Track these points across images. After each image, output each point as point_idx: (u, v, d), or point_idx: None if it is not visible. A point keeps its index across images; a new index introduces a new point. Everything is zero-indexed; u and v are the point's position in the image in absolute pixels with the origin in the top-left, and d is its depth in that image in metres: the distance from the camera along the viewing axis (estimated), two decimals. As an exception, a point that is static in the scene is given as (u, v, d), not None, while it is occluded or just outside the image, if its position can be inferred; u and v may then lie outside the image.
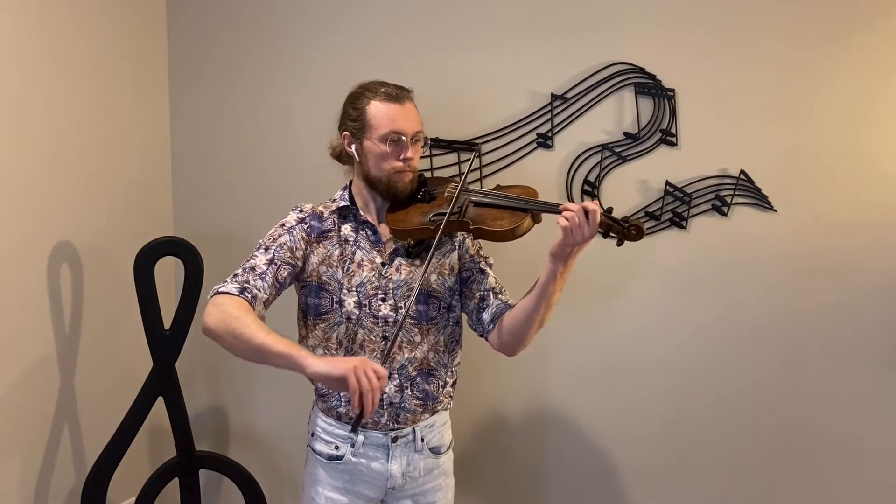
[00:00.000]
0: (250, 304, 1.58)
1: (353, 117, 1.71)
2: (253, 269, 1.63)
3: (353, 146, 1.73)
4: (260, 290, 1.61)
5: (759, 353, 2.29)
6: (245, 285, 1.60)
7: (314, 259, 1.71)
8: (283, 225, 1.72)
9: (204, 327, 1.56)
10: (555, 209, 1.57)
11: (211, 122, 2.76)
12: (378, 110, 1.68)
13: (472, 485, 2.52)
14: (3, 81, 2.19)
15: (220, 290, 1.59)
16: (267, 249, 1.67)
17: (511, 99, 2.39)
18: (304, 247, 1.70)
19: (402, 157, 1.68)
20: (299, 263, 1.70)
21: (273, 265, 1.65)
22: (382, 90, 1.69)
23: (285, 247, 1.68)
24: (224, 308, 1.54)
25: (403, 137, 1.67)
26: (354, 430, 1.46)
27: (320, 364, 1.44)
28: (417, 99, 1.75)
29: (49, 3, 2.33)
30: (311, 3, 2.60)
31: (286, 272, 1.67)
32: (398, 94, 1.69)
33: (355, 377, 1.39)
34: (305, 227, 1.72)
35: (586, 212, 1.51)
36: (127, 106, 2.64)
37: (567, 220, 1.52)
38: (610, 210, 1.60)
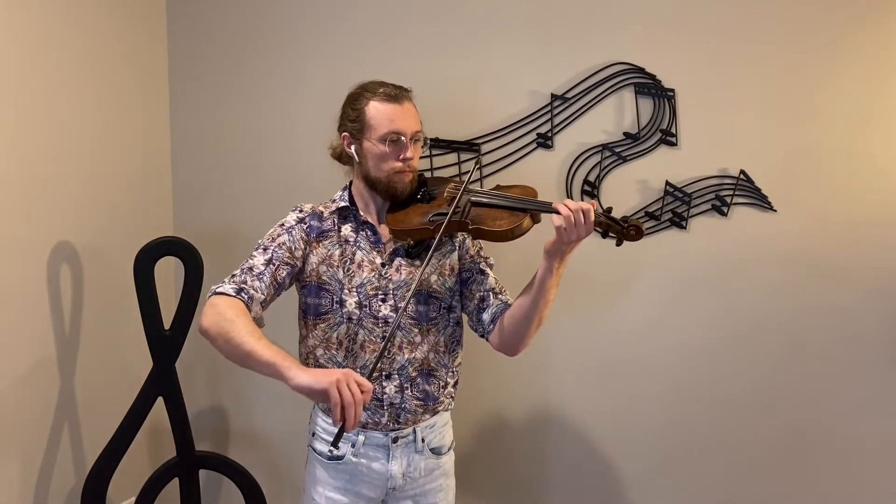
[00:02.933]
0: (246, 306, 1.58)
1: (352, 118, 1.71)
2: (251, 269, 1.63)
3: (353, 147, 1.73)
4: (257, 291, 1.61)
5: (759, 353, 2.29)
6: (242, 286, 1.60)
7: (314, 259, 1.71)
8: (283, 225, 1.72)
9: (200, 327, 1.57)
10: (554, 209, 1.57)
11: (211, 122, 2.76)
12: (377, 111, 1.67)
13: (472, 485, 2.52)
14: (3, 81, 2.19)
15: (217, 290, 1.60)
16: (265, 250, 1.67)
17: (511, 99, 2.39)
18: (303, 247, 1.70)
19: (401, 157, 1.68)
20: (298, 263, 1.70)
21: (271, 265, 1.65)
22: (381, 90, 1.69)
23: (284, 246, 1.68)
24: (219, 309, 1.55)
25: (402, 137, 1.67)
26: (335, 445, 1.45)
27: (303, 376, 1.42)
28: (418, 99, 1.75)
29: (49, 3, 2.32)
30: (311, 3, 2.60)
31: (285, 272, 1.66)
32: (397, 94, 1.68)
33: (337, 390, 1.38)
34: (305, 226, 1.72)
35: (582, 211, 1.52)
36: (127, 106, 2.64)
37: (563, 219, 1.52)
38: (609, 210, 1.60)
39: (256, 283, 1.62)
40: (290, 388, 1.44)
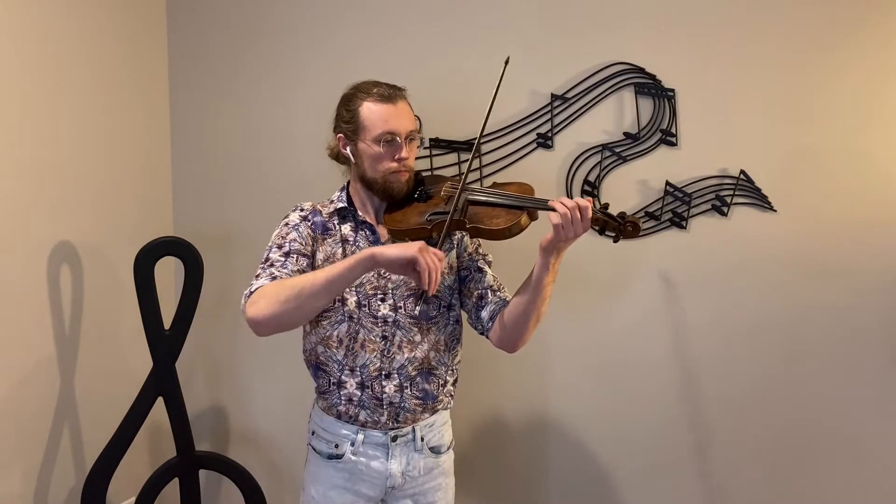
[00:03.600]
0: None
1: (346, 119, 1.71)
2: (272, 264, 1.63)
3: (348, 148, 1.72)
4: (287, 276, 1.60)
5: (759, 353, 2.29)
6: (273, 276, 1.59)
7: (320, 256, 1.71)
8: (287, 224, 1.72)
9: (256, 323, 1.52)
10: (551, 207, 1.56)
11: (211, 122, 2.77)
12: (371, 111, 1.67)
13: (472, 484, 2.52)
14: (4, 82, 2.20)
15: (251, 290, 1.58)
16: (280, 246, 1.67)
17: (511, 99, 2.39)
18: (311, 242, 1.71)
19: (396, 157, 1.68)
20: (311, 256, 1.70)
21: (290, 256, 1.65)
22: (375, 91, 1.68)
23: (296, 242, 1.68)
24: (265, 295, 1.53)
25: (397, 138, 1.67)
26: (424, 301, 1.67)
27: (390, 250, 1.49)
28: (418, 99, 1.74)
29: (49, 3, 2.33)
30: (310, 4, 2.60)
31: (304, 262, 1.66)
32: (391, 94, 1.68)
33: (423, 258, 1.47)
34: (309, 223, 1.72)
35: (579, 208, 1.51)
36: (127, 106, 2.64)
37: (560, 217, 1.52)
38: (606, 206, 1.60)
39: (284, 270, 1.61)
40: (381, 265, 1.51)
